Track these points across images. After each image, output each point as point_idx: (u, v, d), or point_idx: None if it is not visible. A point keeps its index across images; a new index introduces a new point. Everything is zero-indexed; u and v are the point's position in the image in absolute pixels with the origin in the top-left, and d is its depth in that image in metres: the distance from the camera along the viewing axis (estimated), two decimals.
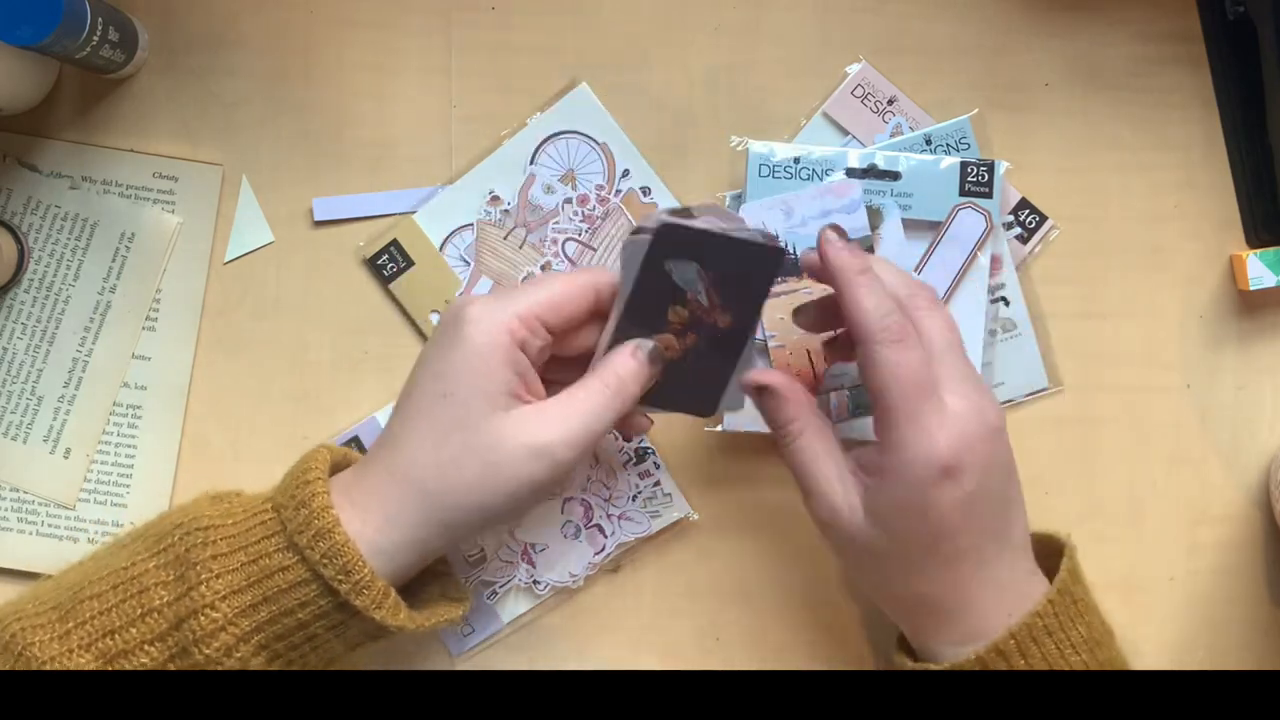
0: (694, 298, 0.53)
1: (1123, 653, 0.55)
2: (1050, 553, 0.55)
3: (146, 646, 0.49)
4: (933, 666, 0.53)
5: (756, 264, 0.53)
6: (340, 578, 0.49)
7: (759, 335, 0.60)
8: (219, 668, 0.49)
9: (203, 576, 0.50)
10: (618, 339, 0.53)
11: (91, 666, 0.49)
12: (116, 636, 0.50)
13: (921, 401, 0.50)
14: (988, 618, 0.52)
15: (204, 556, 0.50)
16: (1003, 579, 0.53)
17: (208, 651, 0.49)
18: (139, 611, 0.50)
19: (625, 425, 0.56)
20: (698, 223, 0.52)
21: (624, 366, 0.53)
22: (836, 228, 0.53)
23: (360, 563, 0.50)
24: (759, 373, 0.55)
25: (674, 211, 0.52)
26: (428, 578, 0.57)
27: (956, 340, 0.53)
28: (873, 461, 0.52)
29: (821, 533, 0.54)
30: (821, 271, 0.53)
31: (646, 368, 0.53)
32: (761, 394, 0.55)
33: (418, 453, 0.52)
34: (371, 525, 0.51)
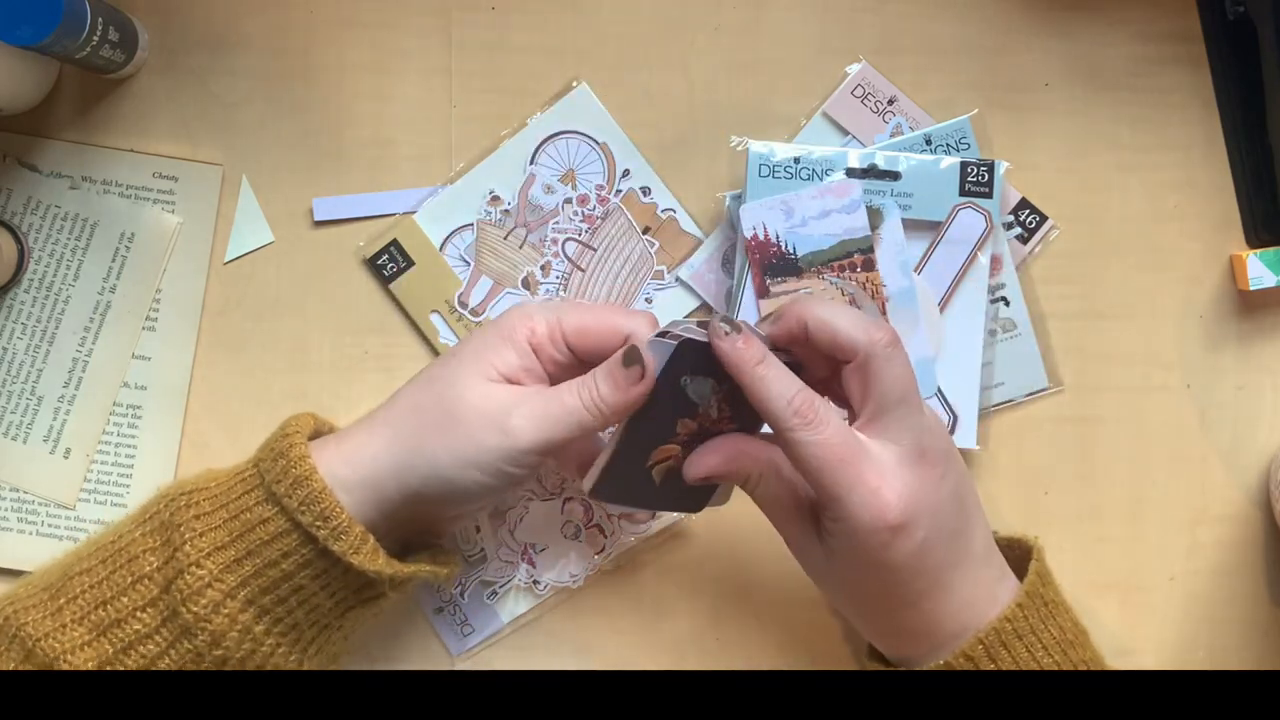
0: (705, 411, 0.52)
1: (1098, 652, 0.54)
2: (1022, 555, 0.55)
3: (139, 613, 0.50)
4: (904, 672, 0.54)
5: None
6: (318, 524, 0.50)
7: None
8: (208, 625, 0.50)
9: (186, 536, 0.50)
10: (623, 444, 0.52)
11: (85, 638, 0.50)
12: (109, 607, 0.50)
13: (854, 470, 0.49)
14: (959, 633, 0.52)
15: (187, 517, 0.51)
16: (968, 596, 0.52)
17: (195, 609, 0.49)
18: (129, 580, 0.50)
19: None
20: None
21: (603, 378, 0.52)
22: (726, 319, 0.50)
23: (337, 509, 0.50)
24: (695, 466, 0.53)
25: (703, 324, 0.51)
26: (418, 548, 0.57)
27: (913, 386, 0.51)
28: (827, 519, 0.51)
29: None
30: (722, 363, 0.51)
31: (624, 383, 0.51)
32: (711, 481, 0.54)
33: (401, 395, 0.54)
34: (340, 456, 0.52)
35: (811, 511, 0.52)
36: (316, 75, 0.63)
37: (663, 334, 0.52)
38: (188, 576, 0.50)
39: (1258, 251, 0.62)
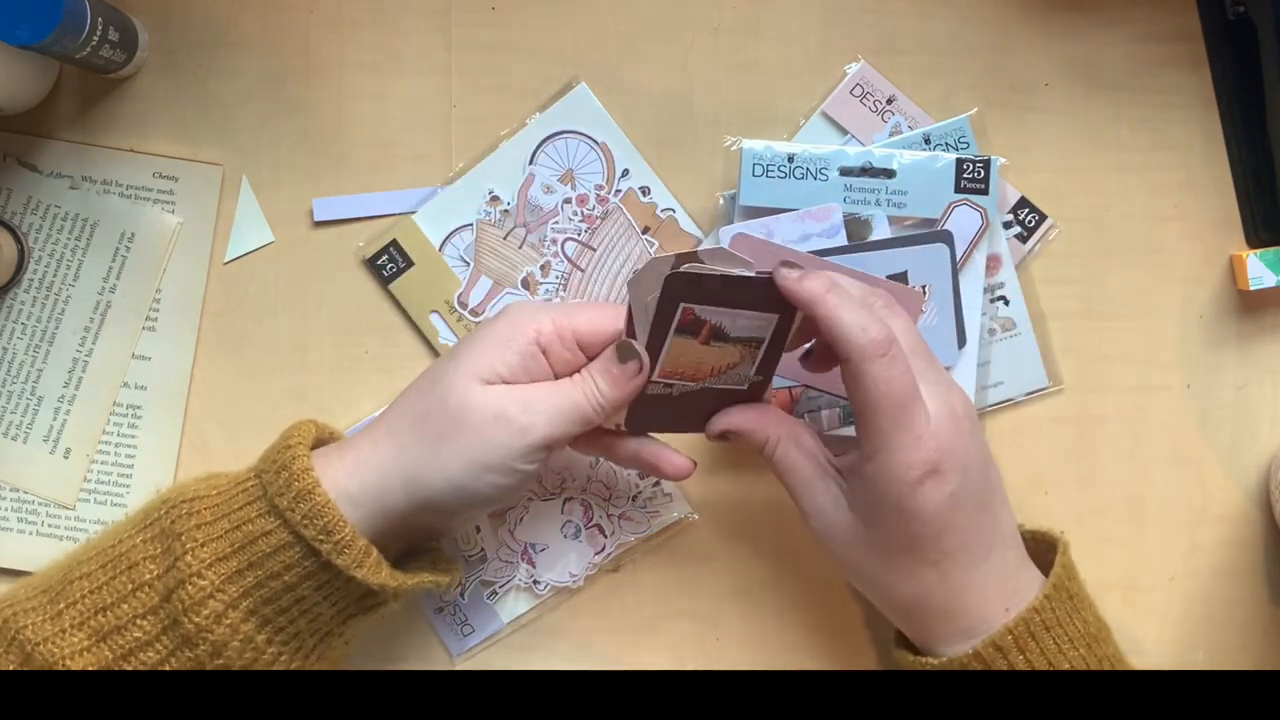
0: (728, 346, 0.53)
1: (1120, 649, 0.55)
2: (1045, 549, 0.55)
3: (139, 621, 0.50)
4: (931, 663, 0.53)
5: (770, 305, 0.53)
6: (321, 538, 0.50)
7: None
8: (210, 635, 0.50)
9: (188, 546, 0.50)
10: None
11: (85, 644, 0.50)
12: (109, 613, 0.50)
13: (907, 410, 0.50)
14: (985, 614, 0.52)
15: (189, 526, 0.50)
16: (994, 574, 0.53)
17: (197, 620, 0.49)
18: (130, 587, 0.50)
19: (660, 463, 0.56)
20: (705, 268, 0.52)
21: (600, 375, 0.53)
22: (786, 261, 0.52)
23: (341, 523, 0.50)
24: (719, 421, 0.55)
25: (681, 256, 0.52)
26: (418, 553, 0.57)
27: (919, 338, 0.53)
28: (855, 465, 0.52)
29: (816, 539, 0.54)
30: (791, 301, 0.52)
31: (621, 379, 0.53)
32: (728, 439, 0.55)
33: (405, 406, 0.54)
34: (345, 468, 0.52)
35: (831, 474, 0.53)
36: (316, 75, 0.63)
37: (649, 267, 0.52)
38: (189, 587, 0.50)
39: (1258, 251, 0.62)
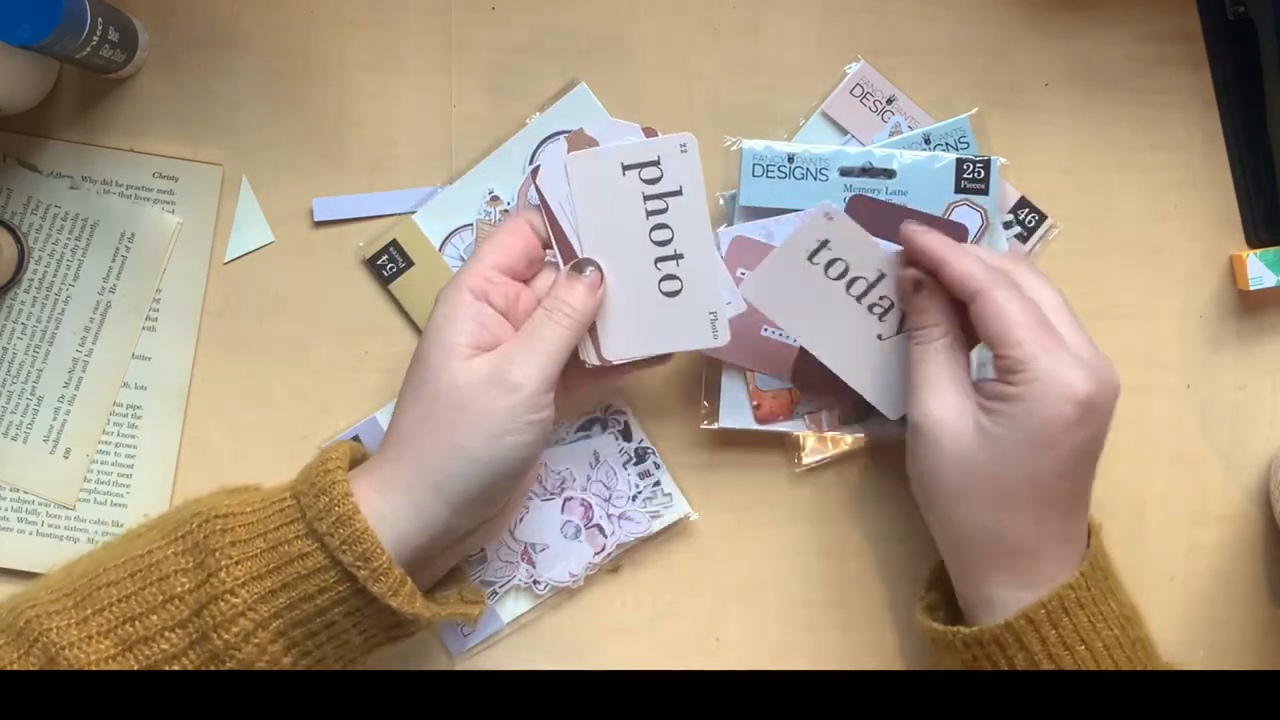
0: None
1: (1150, 635, 0.55)
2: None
3: (167, 633, 0.50)
4: (961, 632, 0.53)
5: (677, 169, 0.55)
6: (359, 564, 0.50)
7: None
8: (237, 654, 0.50)
9: (222, 563, 0.50)
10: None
11: (111, 652, 0.49)
12: (137, 623, 0.50)
13: (1051, 340, 0.51)
14: (1054, 572, 0.53)
15: (224, 543, 0.50)
16: (1072, 535, 0.53)
17: (226, 637, 0.49)
18: (160, 598, 0.50)
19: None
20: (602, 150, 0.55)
21: (567, 291, 0.55)
22: (914, 218, 0.57)
23: (378, 550, 0.50)
24: (916, 271, 0.56)
25: (571, 139, 0.55)
26: (447, 583, 0.57)
27: (1066, 304, 0.54)
28: (1000, 391, 0.52)
29: (918, 443, 0.54)
30: (916, 259, 0.55)
31: (590, 287, 0.55)
32: (919, 289, 0.55)
33: (403, 418, 0.54)
34: (374, 489, 0.52)
35: (969, 387, 0.54)
36: (316, 75, 0.63)
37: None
38: (221, 604, 0.50)
39: (1258, 251, 0.62)
